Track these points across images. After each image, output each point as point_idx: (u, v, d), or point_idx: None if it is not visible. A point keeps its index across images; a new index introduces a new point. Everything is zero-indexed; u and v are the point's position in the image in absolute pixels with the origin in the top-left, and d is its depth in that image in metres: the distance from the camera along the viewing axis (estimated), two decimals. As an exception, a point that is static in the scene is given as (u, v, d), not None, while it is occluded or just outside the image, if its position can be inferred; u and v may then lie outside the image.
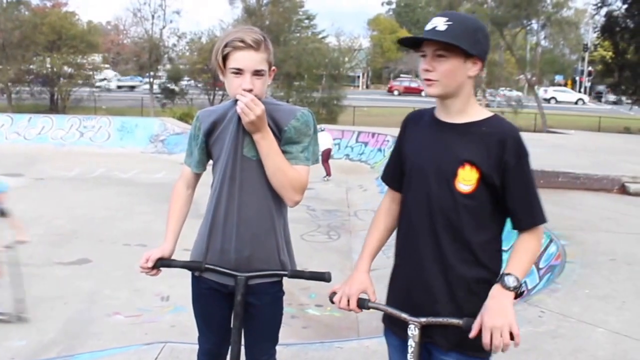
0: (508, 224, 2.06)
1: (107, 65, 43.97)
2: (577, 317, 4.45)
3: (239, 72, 2.19)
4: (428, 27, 1.93)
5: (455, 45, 1.88)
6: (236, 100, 2.20)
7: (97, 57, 37.53)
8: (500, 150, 1.91)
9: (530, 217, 1.96)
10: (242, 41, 2.16)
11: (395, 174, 2.19)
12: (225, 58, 2.21)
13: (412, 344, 1.98)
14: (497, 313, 1.81)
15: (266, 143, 2.23)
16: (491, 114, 2.03)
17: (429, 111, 2.12)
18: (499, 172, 1.92)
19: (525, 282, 6.00)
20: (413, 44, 1.99)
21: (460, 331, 1.92)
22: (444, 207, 1.97)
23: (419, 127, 2.11)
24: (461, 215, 1.95)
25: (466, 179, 1.93)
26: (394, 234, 2.23)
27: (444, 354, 2.00)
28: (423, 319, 1.96)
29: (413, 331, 1.97)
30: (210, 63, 2.40)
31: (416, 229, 2.04)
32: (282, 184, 2.26)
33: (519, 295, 1.89)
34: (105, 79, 48.96)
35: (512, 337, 1.80)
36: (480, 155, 1.92)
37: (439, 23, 1.91)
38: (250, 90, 2.18)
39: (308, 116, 2.32)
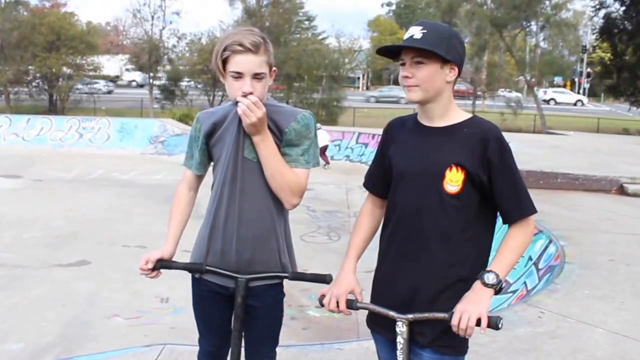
0: (499, 223, 2.12)
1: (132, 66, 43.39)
2: (576, 318, 4.45)
3: (239, 75, 2.19)
4: (405, 36, 2.03)
5: (432, 52, 1.96)
6: (237, 102, 2.20)
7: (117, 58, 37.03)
8: (482, 148, 1.99)
9: (518, 209, 2.03)
10: (241, 45, 2.16)
11: (378, 181, 2.26)
12: (224, 61, 2.21)
13: (400, 340, 2.02)
14: (471, 301, 1.92)
15: (265, 145, 2.23)
16: (470, 115, 2.12)
17: (411, 117, 2.20)
18: (484, 170, 1.99)
19: (524, 282, 6.01)
20: (392, 53, 2.07)
21: (436, 328, 2.00)
22: (431, 208, 2.03)
23: (403, 133, 2.18)
24: (449, 216, 2.02)
25: (453, 180, 2.00)
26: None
27: (420, 349, 2.06)
28: (410, 316, 2.01)
29: (401, 328, 2.02)
30: (211, 64, 2.42)
31: (403, 230, 2.10)
32: (280, 186, 2.26)
33: (498, 291, 1.96)
34: (134, 80, 48.91)
35: (479, 324, 1.89)
36: (465, 156, 2.00)
37: (415, 32, 1.99)
38: (250, 94, 2.17)
39: (309, 119, 2.32)
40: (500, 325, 1.89)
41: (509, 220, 2.04)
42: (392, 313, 2.03)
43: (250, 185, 2.29)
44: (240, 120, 2.23)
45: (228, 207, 2.30)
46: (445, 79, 2.02)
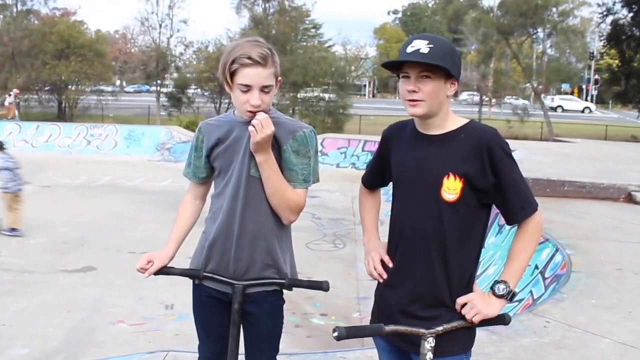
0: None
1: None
2: (582, 328, 4.41)
3: (247, 88, 2.20)
4: (409, 49, 1.99)
5: (441, 67, 1.95)
6: (249, 122, 2.21)
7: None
8: (483, 156, 1.99)
9: (521, 210, 2.03)
10: (250, 58, 2.17)
11: (375, 181, 2.38)
12: (232, 73, 2.22)
13: (430, 356, 1.99)
14: (483, 301, 2.02)
15: (268, 166, 2.26)
16: (467, 120, 2.12)
17: (409, 123, 2.19)
18: (486, 177, 1.99)
19: (531, 291, 5.97)
20: (394, 66, 2.05)
21: (437, 337, 2.01)
22: (430, 216, 2.04)
23: (402, 140, 2.19)
24: (447, 223, 2.03)
25: (451, 188, 2.01)
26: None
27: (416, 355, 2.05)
28: (440, 328, 2.00)
29: (431, 343, 1.99)
30: (217, 72, 2.43)
31: (404, 238, 2.11)
32: (279, 204, 2.30)
33: (510, 299, 2.03)
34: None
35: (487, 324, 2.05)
36: (463, 163, 2.01)
37: (422, 46, 1.97)
38: (258, 106, 2.20)
39: (309, 137, 2.33)
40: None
41: (512, 222, 2.06)
42: (422, 330, 2.00)
43: (254, 200, 2.32)
44: (248, 139, 2.25)
45: (231, 219, 2.32)
46: (447, 93, 2.03)
